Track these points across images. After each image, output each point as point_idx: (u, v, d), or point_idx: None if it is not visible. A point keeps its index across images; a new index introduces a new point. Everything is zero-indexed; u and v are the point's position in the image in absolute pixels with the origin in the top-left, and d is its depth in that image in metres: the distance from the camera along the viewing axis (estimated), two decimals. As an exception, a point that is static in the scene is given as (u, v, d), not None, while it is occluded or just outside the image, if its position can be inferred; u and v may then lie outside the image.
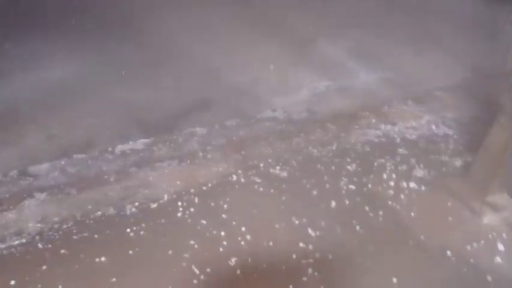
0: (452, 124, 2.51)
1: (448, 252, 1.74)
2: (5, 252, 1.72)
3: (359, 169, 2.14)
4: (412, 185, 2.07)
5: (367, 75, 3.00)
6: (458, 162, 2.21)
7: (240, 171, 2.14)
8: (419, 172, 2.15)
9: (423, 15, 3.88)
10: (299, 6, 4.01)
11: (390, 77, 2.97)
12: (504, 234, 1.83)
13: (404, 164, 2.19)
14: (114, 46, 3.26)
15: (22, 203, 1.94)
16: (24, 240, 1.77)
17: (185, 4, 4.01)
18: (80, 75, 2.96)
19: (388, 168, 2.15)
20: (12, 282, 1.59)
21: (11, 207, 1.92)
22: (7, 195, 1.99)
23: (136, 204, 1.93)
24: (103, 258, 1.68)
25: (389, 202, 1.97)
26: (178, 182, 2.07)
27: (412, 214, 1.92)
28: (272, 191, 2.02)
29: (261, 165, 2.18)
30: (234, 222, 1.86)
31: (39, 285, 1.59)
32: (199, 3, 4.05)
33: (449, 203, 1.98)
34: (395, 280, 1.63)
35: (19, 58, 3.09)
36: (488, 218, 1.90)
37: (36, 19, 3.60)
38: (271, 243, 1.77)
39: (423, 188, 2.06)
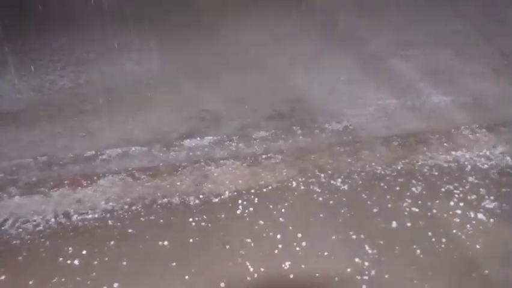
0: (530, 158, 2.34)
1: (515, 291, 1.64)
2: (79, 224, 1.88)
3: (424, 192, 2.07)
4: (480, 216, 1.96)
5: (439, 97, 2.89)
6: (533, 199, 2.07)
7: (300, 179, 2.16)
8: (489, 204, 2.03)
9: (504, 41, 3.67)
10: (375, 20, 3.97)
11: (464, 101, 2.84)
12: None
13: (473, 193, 2.08)
14: (193, 47, 3.45)
15: (97, 182, 2.11)
16: (96, 216, 1.92)
17: (259, 14, 4.14)
18: (158, 70, 3.17)
19: (456, 195, 2.06)
20: (84, 252, 1.74)
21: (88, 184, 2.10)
22: (82, 174, 2.17)
23: (200, 196, 2.02)
24: (165, 242, 1.78)
25: (454, 230, 1.88)
26: (240, 181, 2.13)
27: (478, 246, 1.82)
28: (331, 202, 2.02)
29: (322, 175, 2.18)
30: (290, 227, 1.88)
31: (106, 258, 1.71)
32: (271, 13, 4.16)
33: (519, 240, 1.85)
34: (453, 311, 1.57)
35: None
36: None
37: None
38: (326, 253, 1.76)
39: (492, 220, 1.95)
